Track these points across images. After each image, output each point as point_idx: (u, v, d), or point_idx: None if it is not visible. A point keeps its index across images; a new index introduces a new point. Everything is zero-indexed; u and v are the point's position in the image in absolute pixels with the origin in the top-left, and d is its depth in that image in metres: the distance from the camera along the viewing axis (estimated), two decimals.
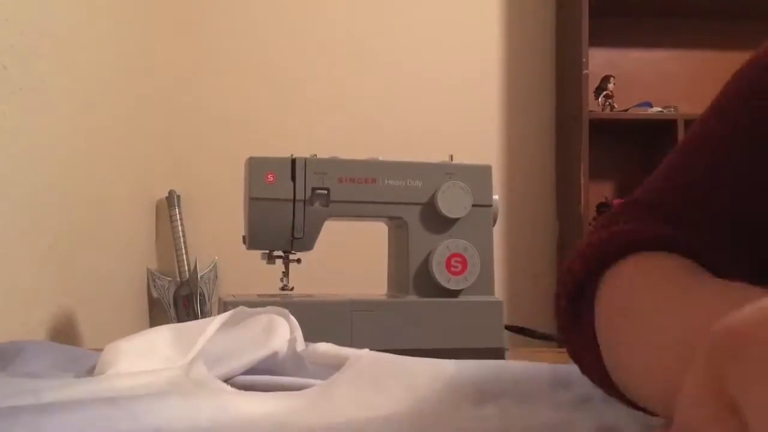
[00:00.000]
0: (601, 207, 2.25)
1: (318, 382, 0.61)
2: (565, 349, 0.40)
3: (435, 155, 1.41)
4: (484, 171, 1.34)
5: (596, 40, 2.19)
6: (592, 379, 0.38)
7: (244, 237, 1.28)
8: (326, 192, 1.26)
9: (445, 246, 1.27)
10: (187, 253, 2.03)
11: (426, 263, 1.28)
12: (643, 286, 0.32)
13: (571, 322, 0.38)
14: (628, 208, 0.47)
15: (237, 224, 1.32)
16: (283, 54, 2.24)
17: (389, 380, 0.57)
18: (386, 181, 1.29)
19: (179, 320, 1.98)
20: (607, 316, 0.32)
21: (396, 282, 1.35)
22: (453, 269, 1.27)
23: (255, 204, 1.24)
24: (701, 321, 0.27)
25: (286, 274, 1.32)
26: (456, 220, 1.29)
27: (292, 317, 0.81)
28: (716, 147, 0.46)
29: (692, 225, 0.42)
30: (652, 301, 0.31)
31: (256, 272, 1.42)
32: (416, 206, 1.29)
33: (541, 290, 2.31)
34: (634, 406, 0.34)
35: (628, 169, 2.43)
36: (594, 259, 0.37)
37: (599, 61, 2.32)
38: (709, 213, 0.44)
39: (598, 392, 0.40)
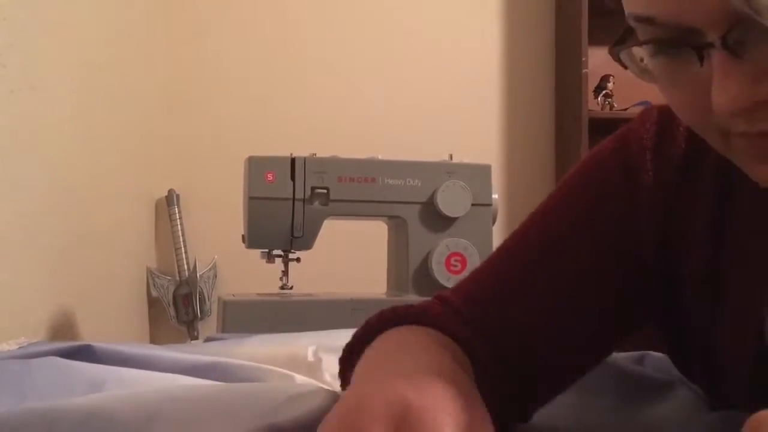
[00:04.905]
0: None
1: None
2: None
3: (434, 154, 1.41)
4: (484, 170, 1.34)
5: (596, 40, 2.18)
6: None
7: (243, 236, 1.28)
8: (326, 191, 1.26)
9: (444, 245, 1.28)
10: (186, 252, 2.03)
11: (426, 262, 1.28)
12: (379, 348, 0.52)
13: (347, 360, 0.56)
14: (440, 296, 0.60)
15: (236, 223, 1.32)
16: (283, 54, 2.24)
17: None
18: (386, 180, 1.29)
19: (178, 319, 1.98)
20: (365, 356, 0.51)
21: (396, 281, 1.35)
22: (452, 268, 1.27)
23: (254, 203, 1.24)
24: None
25: (285, 273, 1.32)
26: (455, 219, 1.29)
27: None
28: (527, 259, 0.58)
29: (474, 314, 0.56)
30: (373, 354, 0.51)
31: (256, 271, 1.42)
32: (416, 205, 1.29)
33: None
34: None
35: None
36: (371, 327, 0.55)
37: (599, 60, 2.31)
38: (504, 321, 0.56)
39: None
